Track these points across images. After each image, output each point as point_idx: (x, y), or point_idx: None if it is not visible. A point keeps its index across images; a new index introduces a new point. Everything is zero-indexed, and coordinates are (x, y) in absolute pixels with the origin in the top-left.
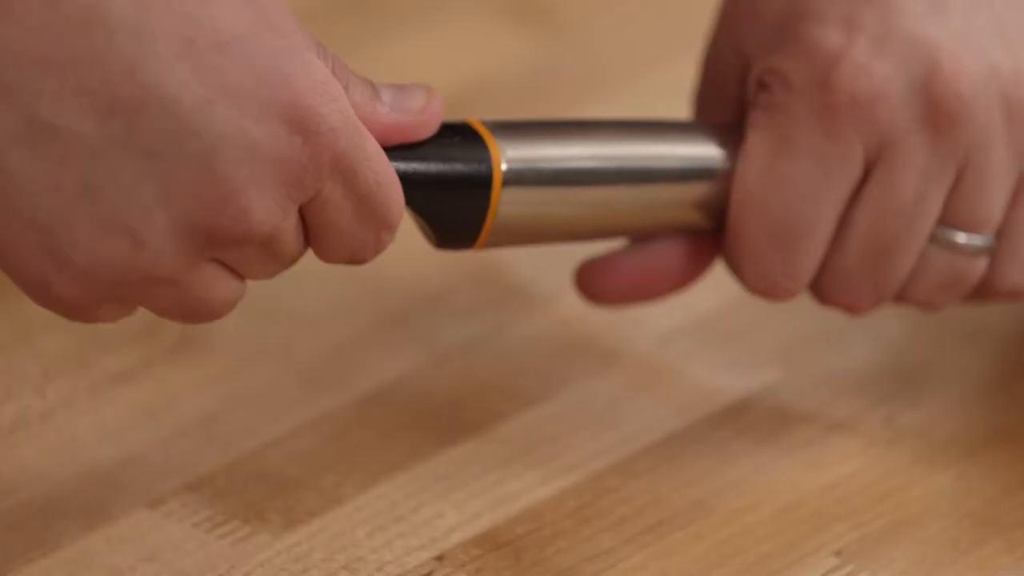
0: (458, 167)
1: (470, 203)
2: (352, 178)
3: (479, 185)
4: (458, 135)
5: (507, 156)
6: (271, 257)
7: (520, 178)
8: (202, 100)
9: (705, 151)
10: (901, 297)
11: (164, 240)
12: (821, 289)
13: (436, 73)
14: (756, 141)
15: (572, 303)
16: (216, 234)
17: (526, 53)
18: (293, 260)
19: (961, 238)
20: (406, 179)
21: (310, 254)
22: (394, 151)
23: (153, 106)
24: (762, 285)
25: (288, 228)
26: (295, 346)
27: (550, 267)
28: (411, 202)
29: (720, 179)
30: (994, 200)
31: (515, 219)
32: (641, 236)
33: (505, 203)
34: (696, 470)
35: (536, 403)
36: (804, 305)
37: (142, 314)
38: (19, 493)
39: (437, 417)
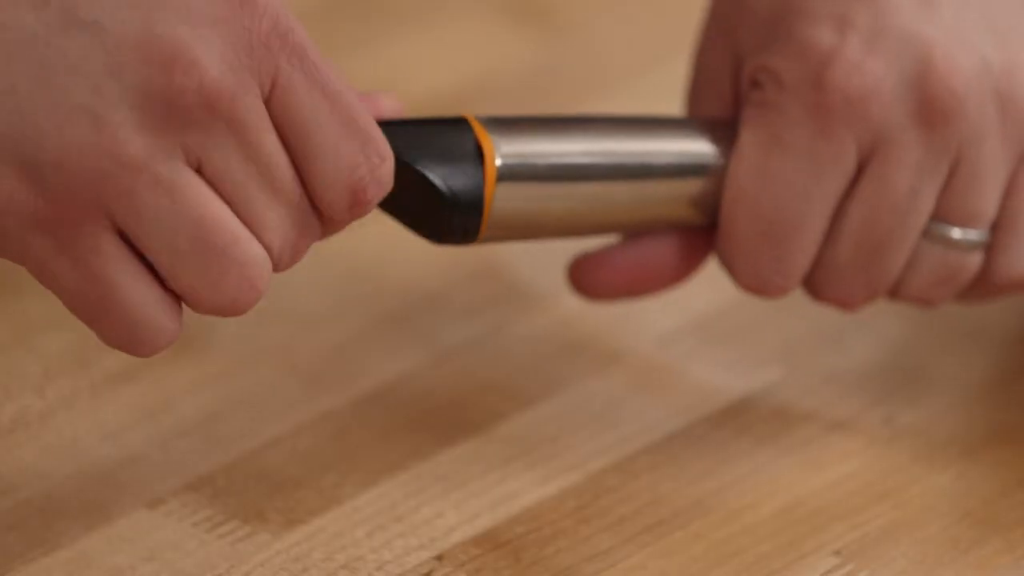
0: (453, 163)
1: (465, 199)
2: (308, 64)
3: (474, 181)
4: (452, 130)
5: (501, 152)
6: (249, 155)
7: (514, 173)
8: None
9: (700, 147)
10: (896, 293)
11: (123, 114)
12: (814, 285)
13: (436, 73)
14: (749, 139)
15: (572, 303)
16: (173, 99)
17: (526, 53)
18: (278, 175)
19: (956, 233)
20: (401, 174)
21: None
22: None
23: None
24: (754, 282)
25: (254, 108)
26: (295, 346)
27: (550, 267)
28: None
29: (715, 175)
30: (988, 194)
31: (510, 214)
32: (636, 232)
33: (500, 198)
34: (696, 470)
35: (536, 403)
36: (804, 305)
37: None
38: (19, 493)
39: (437, 417)
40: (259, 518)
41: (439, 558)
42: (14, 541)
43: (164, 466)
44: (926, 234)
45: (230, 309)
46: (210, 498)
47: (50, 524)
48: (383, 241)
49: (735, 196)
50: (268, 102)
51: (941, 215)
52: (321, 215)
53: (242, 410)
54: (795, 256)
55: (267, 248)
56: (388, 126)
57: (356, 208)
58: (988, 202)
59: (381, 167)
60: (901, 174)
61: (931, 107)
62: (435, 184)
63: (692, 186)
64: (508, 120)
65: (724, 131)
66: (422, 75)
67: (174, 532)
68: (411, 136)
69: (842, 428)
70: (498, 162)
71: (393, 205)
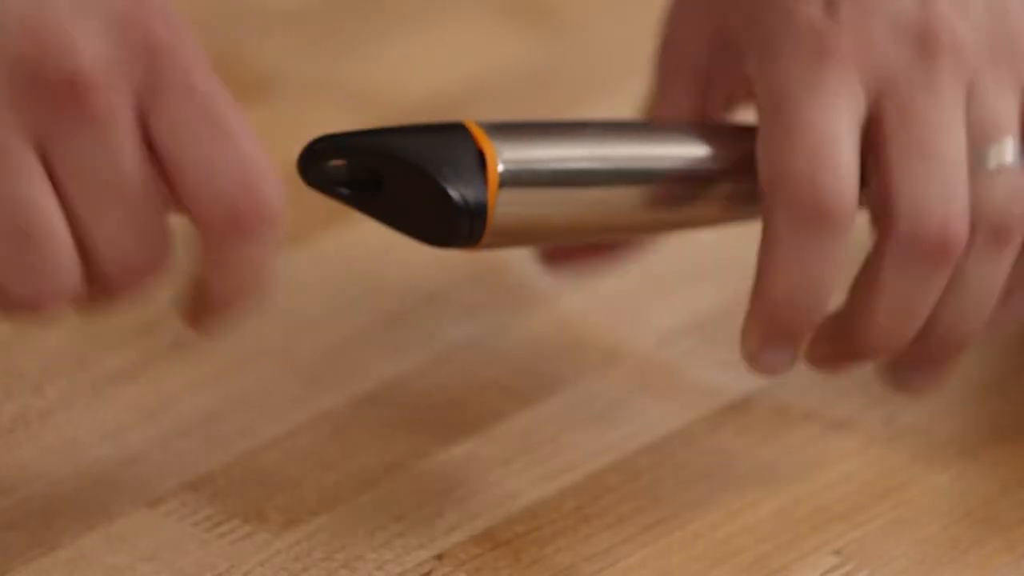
0: (454, 168)
1: (467, 205)
2: (187, 69)
3: (475, 187)
4: (454, 136)
5: (503, 157)
6: (99, 154)
7: (516, 179)
8: None
9: (702, 151)
10: (982, 228)
11: None
12: (912, 207)
13: (435, 73)
14: (762, 98)
15: (572, 303)
16: (40, 77)
17: (525, 53)
18: (127, 181)
19: (996, 151)
20: (401, 179)
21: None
22: (388, 152)
23: None
24: (809, 193)
25: (118, 108)
26: (294, 345)
27: None
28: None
29: (716, 179)
30: (1007, 111)
31: (512, 220)
32: (639, 237)
33: (501, 204)
34: (695, 469)
35: (536, 402)
36: None
37: (141, 313)
38: (18, 492)
39: (436, 416)
40: (259, 517)
41: (439, 557)
42: (13, 540)
43: (164, 465)
44: (974, 167)
45: (28, 304)
46: (210, 497)
47: (49, 523)
48: (382, 241)
49: (768, 145)
50: (141, 106)
51: (977, 141)
52: (202, 232)
53: (242, 410)
54: (840, 166)
55: (91, 255)
56: (389, 133)
57: (238, 228)
58: (1008, 119)
59: (263, 183)
60: (915, 97)
61: (928, 41)
62: (437, 190)
63: (697, 189)
64: (509, 125)
65: (726, 135)
66: (421, 75)
67: (174, 532)
68: (412, 142)
69: (842, 428)
70: (500, 168)
71: (392, 213)
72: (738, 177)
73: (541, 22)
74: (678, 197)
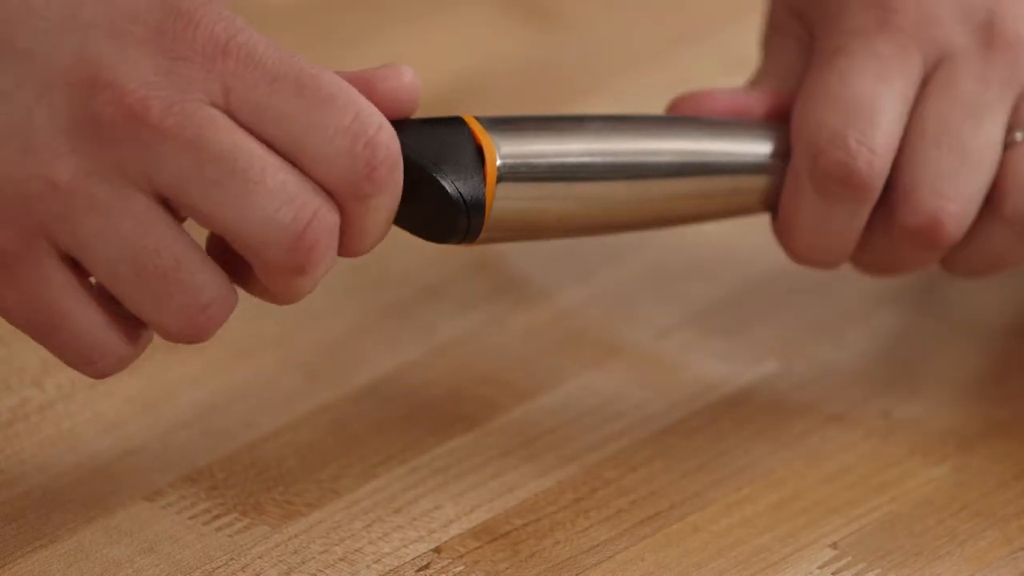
0: (453, 163)
1: (465, 199)
2: (262, 64)
3: (474, 181)
4: (453, 131)
5: (501, 152)
6: (205, 161)
7: (515, 174)
8: (74, 3)
9: (700, 145)
10: (997, 211)
11: (52, 138)
12: (907, 190)
13: (433, 69)
14: (819, 56)
15: (570, 296)
16: (97, 119)
17: (523, 49)
18: (257, 173)
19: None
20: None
21: None
22: None
23: (23, 15)
24: (842, 155)
25: (197, 116)
26: (293, 339)
27: (549, 260)
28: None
29: (715, 173)
30: None
31: (510, 215)
32: (639, 231)
33: (500, 199)
34: (694, 462)
35: (534, 395)
36: (802, 298)
37: None
38: (18, 485)
39: (435, 409)
40: (257, 510)
41: (437, 550)
42: (13, 533)
43: (162, 458)
44: (1010, 146)
45: (187, 336)
46: (208, 490)
47: (49, 516)
48: None
49: (810, 95)
50: (229, 107)
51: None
52: (338, 203)
53: (240, 403)
54: (877, 131)
55: (254, 241)
56: None
57: (372, 175)
58: None
59: (380, 132)
60: (966, 80)
61: (990, 32)
62: (436, 185)
63: (693, 185)
64: (508, 120)
65: (724, 129)
66: (419, 71)
67: (172, 524)
68: (410, 137)
69: (839, 421)
70: (498, 162)
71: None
72: (737, 172)
73: (539, 18)
74: (676, 192)
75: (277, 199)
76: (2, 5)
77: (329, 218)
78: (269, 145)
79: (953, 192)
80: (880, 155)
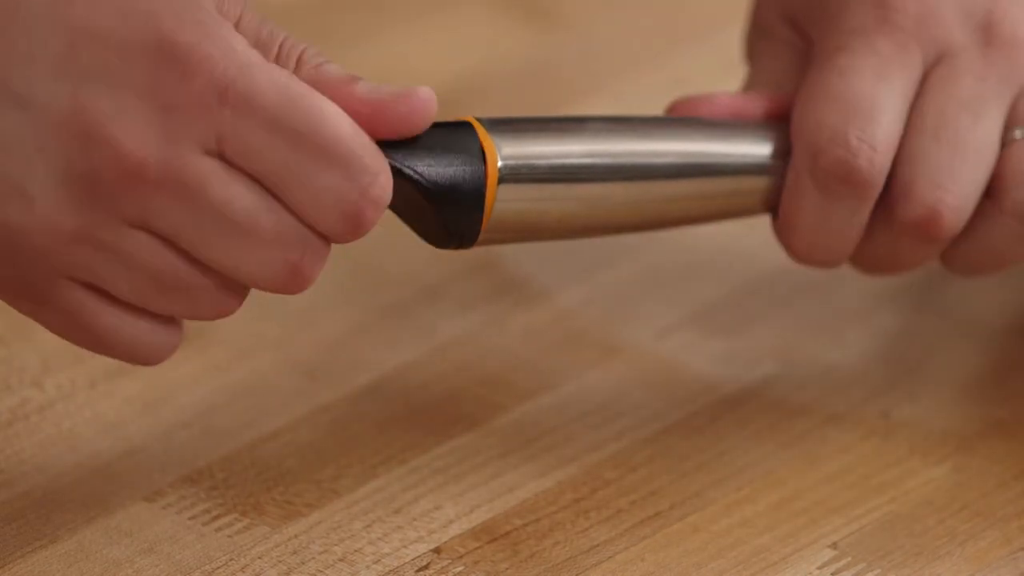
0: (454, 164)
1: (466, 200)
2: (258, 110)
3: (475, 182)
4: (454, 132)
5: (503, 153)
6: (203, 209)
7: (516, 175)
8: (67, 44)
9: (700, 147)
10: (1000, 205)
11: (52, 192)
12: (905, 184)
13: (433, 69)
14: (820, 54)
15: (570, 296)
16: (95, 178)
17: (523, 49)
18: (244, 220)
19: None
20: (401, 177)
21: None
22: (389, 149)
23: (18, 55)
24: (841, 151)
25: (192, 168)
26: (293, 339)
27: (549, 260)
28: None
29: (716, 174)
30: None
31: (511, 216)
32: (639, 232)
33: (501, 200)
34: (693, 462)
35: (534, 396)
36: (802, 298)
37: None
38: (18, 485)
39: (435, 410)
40: (257, 511)
41: (437, 551)
42: (13, 533)
43: (162, 459)
44: (1008, 143)
45: (213, 316)
46: (208, 491)
47: (49, 516)
48: (381, 234)
49: (810, 94)
50: (223, 154)
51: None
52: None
53: (240, 403)
54: (877, 129)
55: (251, 280)
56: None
57: (357, 229)
58: None
59: (373, 185)
60: (964, 77)
61: (990, 31)
62: (436, 186)
63: (694, 186)
64: (509, 121)
65: (725, 130)
66: (419, 71)
67: (172, 524)
68: (412, 140)
69: (839, 421)
70: (500, 164)
71: (395, 205)
72: (738, 173)
73: (539, 18)
74: (676, 193)
75: (269, 246)
76: (1, 46)
77: (319, 252)
78: (262, 183)
79: (951, 184)
80: (881, 152)
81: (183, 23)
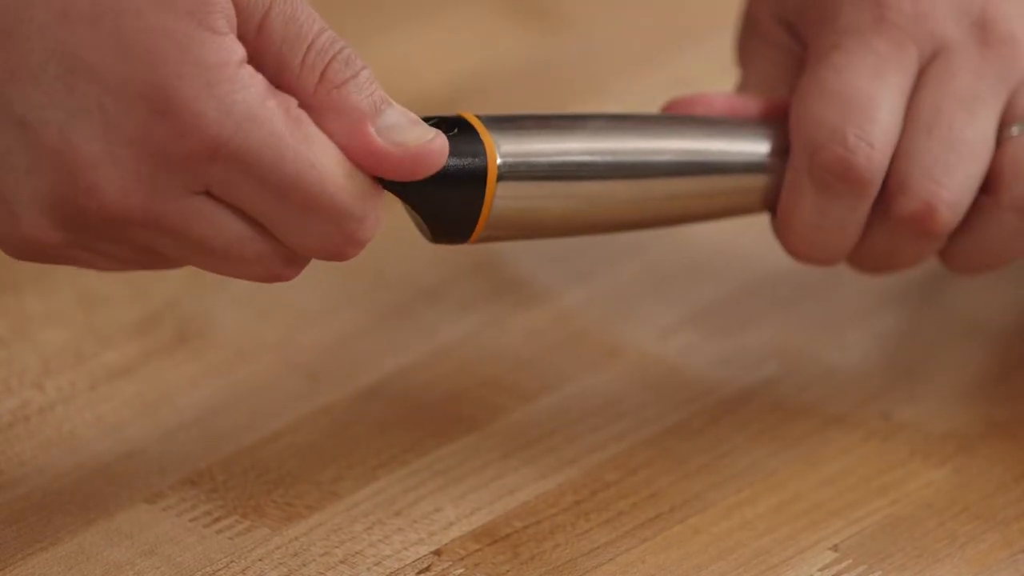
0: (453, 161)
1: (465, 197)
2: (249, 166)
3: (474, 179)
4: (453, 129)
5: (502, 150)
6: (187, 244)
7: (515, 172)
8: (65, 71)
9: (700, 145)
10: (997, 200)
11: (35, 214)
12: (902, 180)
13: (433, 68)
14: (814, 51)
15: (571, 297)
16: (75, 211)
17: (523, 49)
18: (234, 251)
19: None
20: None
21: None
22: None
23: (22, 75)
24: (841, 150)
25: (175, 214)
26: (294, 340)
27: (549, 261)
28: (405, 196)
29: (715, 172)
30: None
31: (510, 213)
32: (639, 230)
33: (500, 197)
34: (694, 464)
35: (535, 397)
36: (802, 299)
37: (141, 309)
38: (18, 487)
39: (436, 411)
40: (258, 512)
41: (437, 553)
42: (13, 536)
43: (163, 461)
44: (1004, 140)
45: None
46: (209, 492)
47: (49, 519)
48: (382, 235)
49: (807, 92)
50: (211, 193)
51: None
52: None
53: (241, 405)
54: (875, 127)
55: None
56: None
57: (341, 260)
58: None
59: (359, 231)
60: (960, 74)
61: (985, 28)
62: (435, 182)
63: (693, 184)
64: (508, 119)
65: (724, 128)
66: (419, 71)
67: (173, 526)
68: None
69: (839, 423)
70: (499, 161)
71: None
72: (737, 171)
73: (539, 18)
74: (676, 191)
75: (252, 267)
76: (4, 59)
77: (301, 263)
78: (247, 216)
79: (946, 179)
80: (878, 150)
81: (183, 67)
